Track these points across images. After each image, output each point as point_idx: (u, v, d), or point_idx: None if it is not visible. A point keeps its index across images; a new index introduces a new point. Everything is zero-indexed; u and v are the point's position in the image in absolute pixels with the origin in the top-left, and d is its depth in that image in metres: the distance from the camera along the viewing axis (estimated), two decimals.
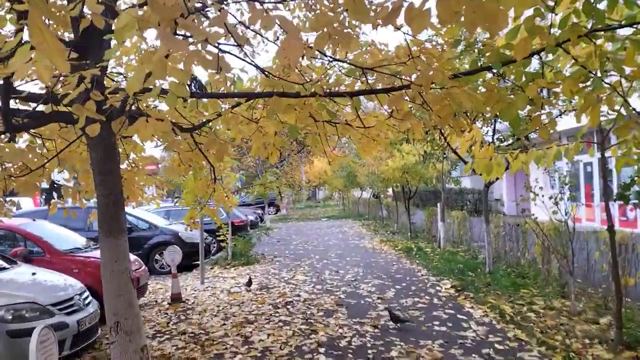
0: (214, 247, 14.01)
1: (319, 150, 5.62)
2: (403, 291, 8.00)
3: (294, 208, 40.45)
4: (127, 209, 12.55)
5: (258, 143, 6.71)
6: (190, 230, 11.38)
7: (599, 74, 3.23)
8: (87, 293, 6.18)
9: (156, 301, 8.38)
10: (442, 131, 9.21)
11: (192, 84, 3.92)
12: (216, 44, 3.00)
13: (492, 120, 8.52)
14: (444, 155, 12.75)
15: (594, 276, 6.86)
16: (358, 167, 19.52)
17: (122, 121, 2.99)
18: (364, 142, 5.76)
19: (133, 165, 6.71)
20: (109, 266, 4.16)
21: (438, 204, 12.95)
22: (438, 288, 8.12)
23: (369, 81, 3.65)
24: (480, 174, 5.56)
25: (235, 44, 5.30)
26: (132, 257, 8.97)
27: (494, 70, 3.58)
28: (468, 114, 8.58)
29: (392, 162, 13.73)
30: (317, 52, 3.62)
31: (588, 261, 6.83)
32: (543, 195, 6.52)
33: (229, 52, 5.52)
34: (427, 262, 10.52)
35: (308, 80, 4.23)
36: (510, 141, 9.22)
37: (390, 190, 23.49)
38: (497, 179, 6.97)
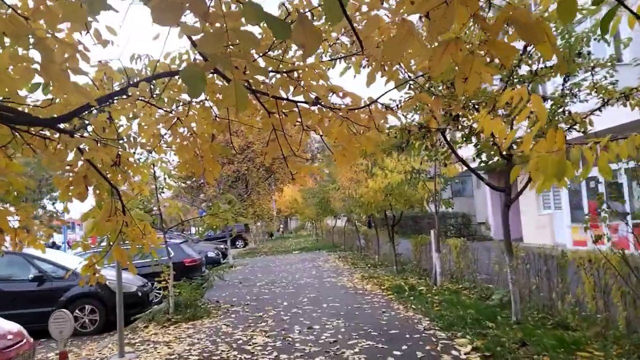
0: (157, 295, 11.27)
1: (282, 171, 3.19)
2: None
3: (264, 240, 37.66)
4: (42, 252, 9.81)
5: (188, 152, 4.35)
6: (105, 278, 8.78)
7: None
8: None
9: None
10: (444, 133, 6.95)
11: None
12: None
13: None
14: (436, 172, 10.50)
15: None
16: (332, 191, 17.12)
17: None
18: (345, 141, 3.52)
19: None
20: None
21: (432, 231, 10.62)
22: (455, 353, 5.65)
23: None
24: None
25: None
26: (15, 326, 6.26)
27: None
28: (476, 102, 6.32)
29: (373, 183, 11.40)
30: None
31: None
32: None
33: None
34: (427, 308, 8.07)
35: None
36: None
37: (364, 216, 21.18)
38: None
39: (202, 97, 4.26)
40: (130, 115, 4.62)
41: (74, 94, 3.77)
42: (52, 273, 9.69)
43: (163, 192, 11.72)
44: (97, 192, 4.44)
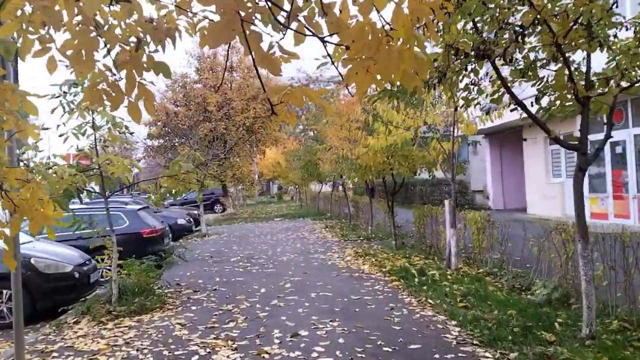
0: (101, 276, 9.03)
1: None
2: None
3: (244, 205, 35.55)
4: None
5: (88, 65, 1.89)
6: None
7: None
8: None
9: None
10: (495, 63, 4.80)
11: None
12: None
13: None
14: (455, 127, 8.41)
15: None
16: (320, 152, 14.94)
17: None
18: (371, 50, 1.86)
19: None
20: None
21: (446, 202, 8.58)
22: None
23: None
24: None
25: None
26: None
27: None
28: None
29: (375, 141, 9.25)
30: None
31: None
32: None
33: None
34: (450, 305, 6.09)
35: None
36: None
37: (350, 182, 19.11)
38: None
39: None
40: None
41: None
42: None
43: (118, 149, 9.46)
44: None
